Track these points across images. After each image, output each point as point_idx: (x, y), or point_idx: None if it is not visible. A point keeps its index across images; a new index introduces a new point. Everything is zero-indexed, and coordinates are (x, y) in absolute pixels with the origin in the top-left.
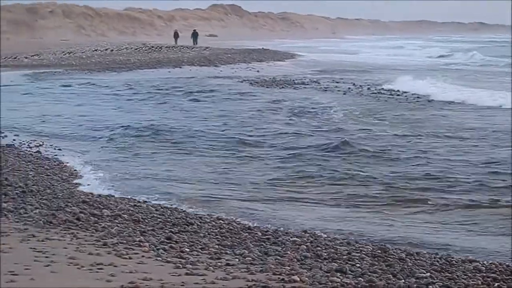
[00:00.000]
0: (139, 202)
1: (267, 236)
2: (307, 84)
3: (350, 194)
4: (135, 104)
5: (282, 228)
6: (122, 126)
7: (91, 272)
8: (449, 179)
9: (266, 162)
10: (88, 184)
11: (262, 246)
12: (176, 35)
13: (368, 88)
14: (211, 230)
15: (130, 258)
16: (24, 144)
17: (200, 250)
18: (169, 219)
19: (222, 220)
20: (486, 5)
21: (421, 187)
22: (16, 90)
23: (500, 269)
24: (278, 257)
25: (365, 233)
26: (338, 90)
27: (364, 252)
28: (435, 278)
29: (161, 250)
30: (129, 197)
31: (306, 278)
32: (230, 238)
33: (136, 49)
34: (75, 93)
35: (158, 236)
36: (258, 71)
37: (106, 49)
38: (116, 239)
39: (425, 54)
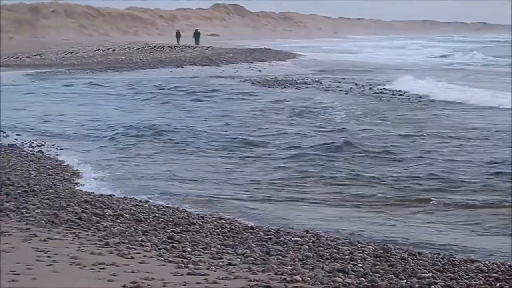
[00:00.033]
0: (141, 201)
1: (269, 236)
2: (309, 84)
3: (352, 194)
4: (137, 104)
5: (284, 228)
6: (124, 126)
7: (93, 271)
8: (452, 179)
9: (268, 162)
10: (90, 184)
11: (264, 246)
12: (178, 35)
13: (370, 88)
14: (213, 230)
15: (132, 257)
16: (26, 143)
17: (202, 250)
18: (171, 219)
19: (224, 220)
20: (489, 5)
21: (424, 187)
22: (19, 89)
23: (502, 269)
24: (280, 257)
25: (367, 233)
26: (340, 90)
27: (366, 252)
28: (437, 278)
29: (163, 249)
30: (131, 196)
31: (308, 278)
32: (232, 238)
33: (138, 48)
34: (77, 93)
35: (160, 236)
36: (260, 70)
37: (108, 49)
38: (118, 239)
39: (427, 54)
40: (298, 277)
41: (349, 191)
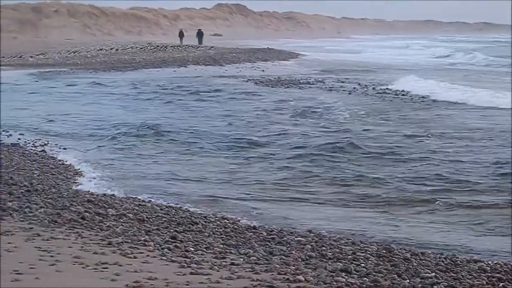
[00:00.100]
0: (143, 201)
1: (272, 236)
2: (312, 84)
3: (355, 194)
4: (140, 103)
5: (287, 228)
6: (127, 126)
7: (96, 271)
8: (455, 179)
9: (272, 162)
10: (93, 183)
11: (267, 246)
12: (181, 35)
13: (373, 88)
14: (216, 229)
15: (135, 257)
16: (29, 143)
17: (205, 249)
18: (174, 219)
19: (227, 220)
20: (492, 5)
21: (428, 187)
22: (22, 89)
23: (505, 269)
24: (283, 257)
25: (370, 233)
26: (343, 90)
27: (369, 252)
28: (440, 278)
29: (166, 249)
30: (134, 196)
31: (311, 278)
32: (235, 238)
33: (142, 48)
34: (80, 93)
35: (163, 236)
36: (263, 70)
37: (111, 49)
38: (121, 238)
39: (430, 54)
40: (301, 277)
41: (352, 191)
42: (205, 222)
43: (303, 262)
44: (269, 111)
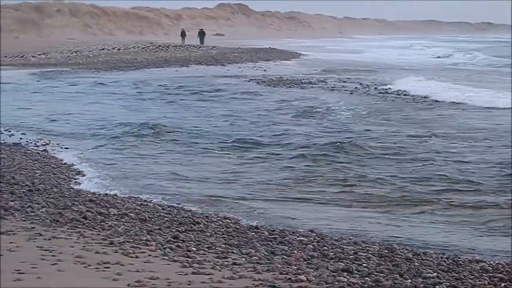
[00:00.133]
0: (145, 201)
1: (273, 236)
2: (314, 84)
3: (357, 194)
4: (142, 103)
5: (289, 228)
6: (129, 125)
7: (98, 271)
8: (456, 180)
9: (274, 162)
10: (95, 183)
11: (269, 246)
12: (183, 34)
13: (375, 88)
14: (218, 229)
15: (136, 257)
16: (31, 142)
17: (206, 249)
18: (175, 218)
19: (229, 220)
20: (494, 5)
21: (431, 187)
22: (24, 88)
23: (507, 269)
24: (285, 257)
25: (372, 233)
26: (345, 90)
27: (370, 252)
28: (442, 278)
29: (167, 249)
30: (136, 196)
31: (313, 278)
32: (236, 237)
33: (144, 48)
34: (82, 92)
35: (165, 235)
36: (265, 70)
37: (113, 48)
38: (123, 238)
39: (431, 54)
40: (302, 277)
41: (354, 191)
42: (207, 222)
43: (305, 262)
44: (271, 111)
